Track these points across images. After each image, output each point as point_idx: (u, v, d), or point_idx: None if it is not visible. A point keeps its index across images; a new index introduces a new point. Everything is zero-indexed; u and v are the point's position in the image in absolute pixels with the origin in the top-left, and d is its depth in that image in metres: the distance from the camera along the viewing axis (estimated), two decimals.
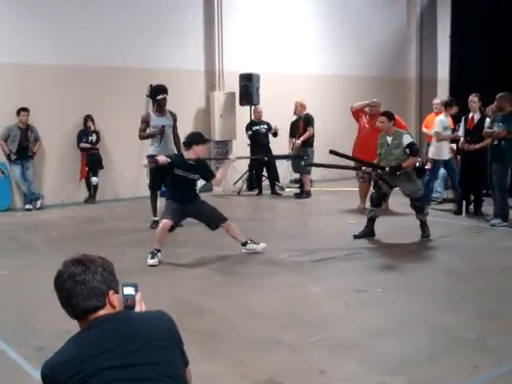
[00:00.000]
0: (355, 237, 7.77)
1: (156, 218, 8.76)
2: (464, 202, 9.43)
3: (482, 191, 9.56)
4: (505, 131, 8.24)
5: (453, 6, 13.82)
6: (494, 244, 7.56)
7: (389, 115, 7.81)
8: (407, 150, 7.49)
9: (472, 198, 9.47)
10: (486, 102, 9.56)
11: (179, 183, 6.74)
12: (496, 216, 8.52)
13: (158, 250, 6.67)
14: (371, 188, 8.43)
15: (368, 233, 7.84)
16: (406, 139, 7.57)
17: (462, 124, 9.45)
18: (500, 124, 8.36)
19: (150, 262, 6.61)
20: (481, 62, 12.65)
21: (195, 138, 6.85)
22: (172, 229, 6.76)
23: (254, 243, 7.02)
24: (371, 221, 7.86)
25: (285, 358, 4.15)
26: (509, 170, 8.43)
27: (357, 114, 10.27)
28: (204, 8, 12.74)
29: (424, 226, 7.79)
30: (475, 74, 12.38)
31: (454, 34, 13.72)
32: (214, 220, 6.88)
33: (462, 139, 9.34)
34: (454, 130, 10.04)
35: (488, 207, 9.14)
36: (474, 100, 9.21)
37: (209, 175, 7.06)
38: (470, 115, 9.26)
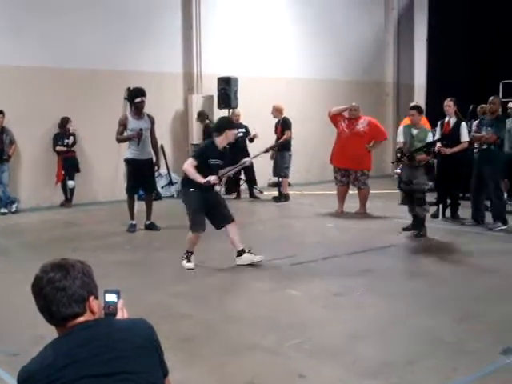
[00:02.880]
0: (403, 229, 8.26)
1: (133, 222, 8.70)
2: (441, 206, 9.49)
3: (459, 195, 9.64)
4: (495, 136, 8.31)
5: (429, 12, 13.96)
6: (471, 247, 7.62)
7: (419, 109, 8.26)
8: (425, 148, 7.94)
9: (448, 201, 9.54)
10: (462, 107, 9.64)
11: (209, 172, 6.45)
12: (495, 219, 8.58)
13: (192, 253, 6.59)
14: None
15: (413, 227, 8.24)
16: (429, 138, 8.11)
17: (438, 128, 9.52)
18: (489, 128, 8.42)
19: (188, 265, 6.53)
20: (457, 68, 12.79)
21: (227, 123, 6.75)
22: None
23: (252, 253, 6.75)
24: (415, 217, 8.20)
25: (264, 362, 4.14)
26: (501, 173, 8.53)
27: (335, 118, 10.30)
28: (182, 11, 12.71)
29: (420, 223, 8.00)
30: (451, 80, 12.52)
31: (431, 39, 13.86)
32: (225, 218, 6.66)
33: (438, 143, 9.40)
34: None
35: (464, 211, 9.23)
36: (449, 104, 9.26)
37: (229, 162, 6.93)
38: (446, 119, 9.32)
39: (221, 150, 6.58)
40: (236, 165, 7.35)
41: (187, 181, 6.55)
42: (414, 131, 8.09)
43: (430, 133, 8.29)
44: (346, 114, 10.23)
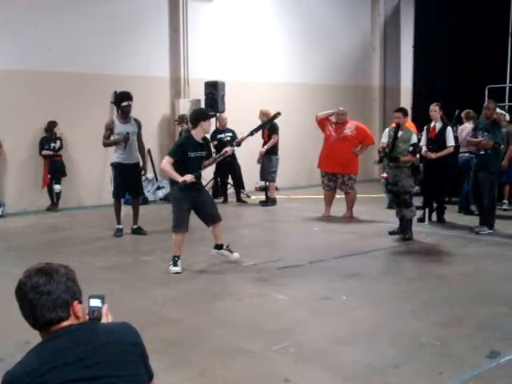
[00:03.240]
0: (390, 233, 8.39)
1: (120, 226, 8.67)
2: (427, 210, 9.54)
3: (444, 199, 9.69)
4: (492, 142, 8.34)
5: (416, 17, 14.04)
6: (456, 251, 7.66)
7: (404, 111, 8.44)
8: (410, 148, 8.10)
9: (434, 205, 9.59)
10: (448, 112, 9.71)
11: (191, 165, 6.48)
12: (483, 224, 8.61)
13: (179, 257, 6.59)
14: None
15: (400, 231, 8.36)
16: (413, 139, 8.21)
17: (424, 133, 9.58)
18: (485, 133, 8.45)
19: (174, 269, 6.53)
20: (443, 73, 12.87)
21: (201, 115, 6.70)
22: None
23: (229, 251, 6.93)
24: (401, 220, 8.29)
25: (250, 366, 4.14)
26: (496, 177, 8.58)
27: (322, 122, 10.33)
28: (169, 15, 12.70)
29: (407, 226, 8.11)
30: (437, 84, 12.59)
31: (417, 44, 13.92)
32: (214, 215, 6.78)
33: (424, 148, 9.46)
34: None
35: (449, 215, 9.28)
36: (434, 109, 9.32)
37: (210, 154, 7.01)
38: (432, 124, 9.38)
39: (200, 142, 6.61)
40: (218, 154, 7.40)
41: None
42: (399, 133, 8.16)
43: (414, 134, 8.33)
44: (333, 119, 10.27)
